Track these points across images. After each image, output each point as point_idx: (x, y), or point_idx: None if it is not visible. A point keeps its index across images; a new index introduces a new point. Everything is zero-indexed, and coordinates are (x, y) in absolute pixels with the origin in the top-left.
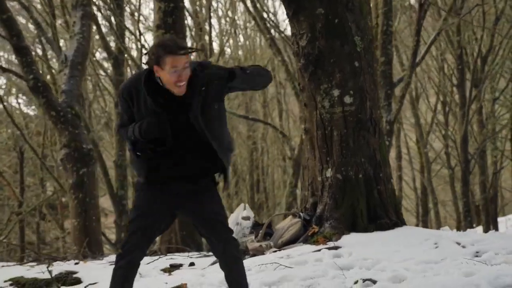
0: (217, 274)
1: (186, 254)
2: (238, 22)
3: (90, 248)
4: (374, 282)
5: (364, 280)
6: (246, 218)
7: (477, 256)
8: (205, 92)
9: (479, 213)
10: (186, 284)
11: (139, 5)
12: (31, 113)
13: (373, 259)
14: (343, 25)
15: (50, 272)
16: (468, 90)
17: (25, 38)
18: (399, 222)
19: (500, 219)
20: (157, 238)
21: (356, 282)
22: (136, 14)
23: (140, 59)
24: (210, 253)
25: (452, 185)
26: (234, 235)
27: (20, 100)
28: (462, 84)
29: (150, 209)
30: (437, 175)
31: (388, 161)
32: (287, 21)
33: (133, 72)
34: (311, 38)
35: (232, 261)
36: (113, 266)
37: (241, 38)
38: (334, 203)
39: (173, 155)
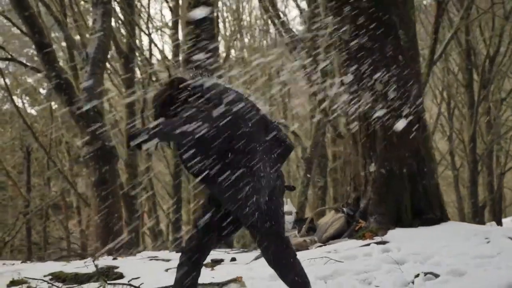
0: (264, 269)
1: (223, 250)
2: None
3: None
4: (436, 276)
5: (425, 274)
6: (288, 213)
7: None
8: None
9: (483, 213)
10: (241, 277)
11: (149, 4)
12: (34, 113)
13: (424, 253)
14: (388, 18)
15: (96, 266)
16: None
17: (46, 35)
18: (444, 217)
19: (504, 220)
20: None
21: (417, 276)
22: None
23: (150, 57)
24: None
25: (456, 186)
26: None
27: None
28: (471, 85)
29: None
30: (440, 177)
31: (432, 156)
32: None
33: (141, 70)
34: (355, 32)
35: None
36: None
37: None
38: (378, 198)
39: None
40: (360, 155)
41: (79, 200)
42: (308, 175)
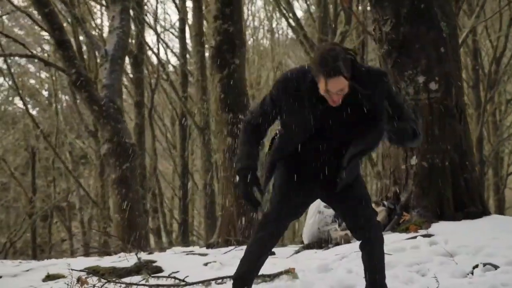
0: (310, 261)
1: None
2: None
3: (136, 242)
4: (496, 267)
5: (484, 265)
6: (328, 207)
7: None
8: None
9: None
10: (294, 268)
11: (157, 4)
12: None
13: (474, 246)
14: (429, 10)
15: (139, 259)
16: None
17: (66, 32)
18: (486, 211)
19: None
20: (216, 230)
21: (476, 267)
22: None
23: (159, 57)
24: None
25: None
26: (315, 223)
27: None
28: (477, 85)
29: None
30: None
31: (473, 150)
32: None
33: (150, 69)
34: (396, 24)
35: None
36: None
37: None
38: (421, 191)
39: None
40: (401, 148)
41: (81, 201)
42: None
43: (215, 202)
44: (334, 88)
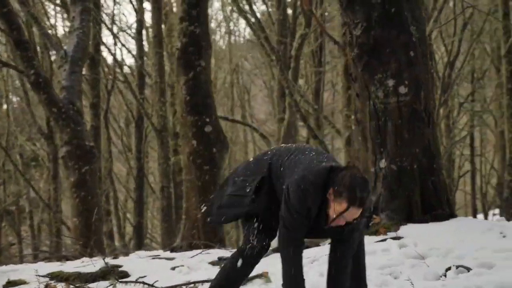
0: (280, 265)
1: (224, 250)
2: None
3: (96, 246)
4: (468, 269)
5: (457, 267)
6: None
7: None
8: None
9: None
10: (267, 272)
11: (114, 6)
12: None
13: (444, 248)
14: (400, 14)
15: (106, 263)
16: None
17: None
18: (453, 213)
19: None
20: (180, 234)
21: (448, 269)
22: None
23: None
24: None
25: None
26: None
27: None
28: (432, 89)
29: None
30: None
31: (440, 153)
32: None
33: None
34: (366, 28)
35: None
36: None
37: None
38: (389, 194)
39: None
40: (371, 151)
41: (31, 204)
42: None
43: (172, 205)
44: (351, 217)
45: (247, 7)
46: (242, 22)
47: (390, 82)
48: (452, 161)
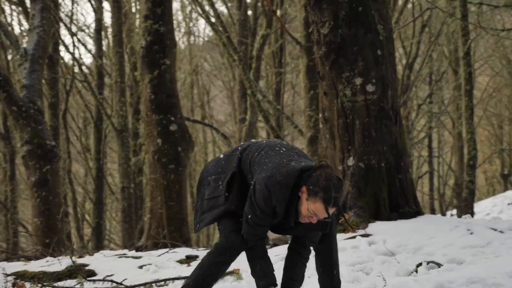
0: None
1: (190, 248)
2: None
3: (57, 246)
4: (439, 265)
5: (428, 263)
6: None
7: None
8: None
9: None
10: (239, 269)
11: (72, 5)
12: None
13: (413, 245)
14: (367, 13)
15: (74, 262)
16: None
17: None
18: (419, 210)
19: None
20: (144, 233)
21: (419, 265)
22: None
23: (74, 58)
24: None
25: None
26: None
27: None
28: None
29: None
30: None
31: (407, 151)
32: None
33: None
34: (334, 26)
35: None
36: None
37: None
38: (357, 192)
39: None
40: (338, 149)
41: None
42: None
43: (133, 205)
44: (322, 215)
45: (207, 8)
46: (202, 23)
47: (358, 81)
48: (410, 162)
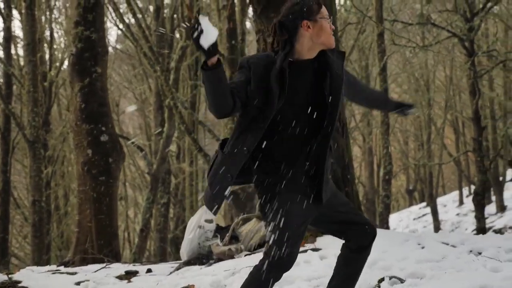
0: (199, 278)
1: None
2: None
3: None
4: (401, 280)
5: (390, 278)
6: (209, 221)
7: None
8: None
9: None
10: (193, 285)
11: None
12: None
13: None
14: None
15: (10, 278)
16: None
17: None
18: None
19: None
20: (71, 248)
21: (382, 280)
22: None
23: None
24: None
25: None
26: (196, 238)
27: None
28: None
29: None
30: None
31: (353, 163)
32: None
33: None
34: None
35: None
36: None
37: None
38: None
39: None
40: None
41: None
42: (154, 191)
43: (44, 219)
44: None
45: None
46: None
47: None
48: None
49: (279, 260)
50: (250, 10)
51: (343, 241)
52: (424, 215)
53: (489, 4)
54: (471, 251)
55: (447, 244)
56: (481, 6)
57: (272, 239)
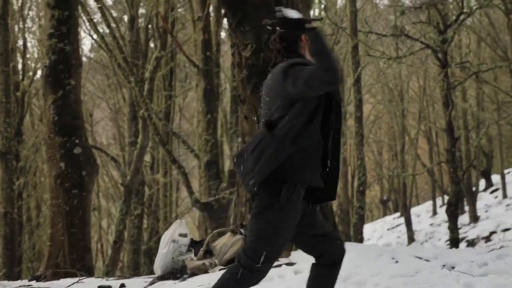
0: None
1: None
2: None
3: None
4: None
5: None
6: (184, 235)
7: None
8: None
9: None
10: None
11: None
12: None
13: (340, 274)
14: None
15: None
16: None
17: None
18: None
19: None
20: (43, 262)
21: None
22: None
23: None
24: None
25: None
26: (170, 253)
27: None
28: None
29: None
30: None
31: None
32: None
33: None
34: (256, 49)
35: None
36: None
37: None
38: None
39: None
40: None
41: None
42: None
43: (15, 231)
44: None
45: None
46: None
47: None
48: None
49: (253, 271)
50: (225, 21)
51: (314, 259)
52: (398, 225)
53: (462, 16)
54: (444, 265)
55: (421, 259)
56: (454, 18)
57: (254, 245)
